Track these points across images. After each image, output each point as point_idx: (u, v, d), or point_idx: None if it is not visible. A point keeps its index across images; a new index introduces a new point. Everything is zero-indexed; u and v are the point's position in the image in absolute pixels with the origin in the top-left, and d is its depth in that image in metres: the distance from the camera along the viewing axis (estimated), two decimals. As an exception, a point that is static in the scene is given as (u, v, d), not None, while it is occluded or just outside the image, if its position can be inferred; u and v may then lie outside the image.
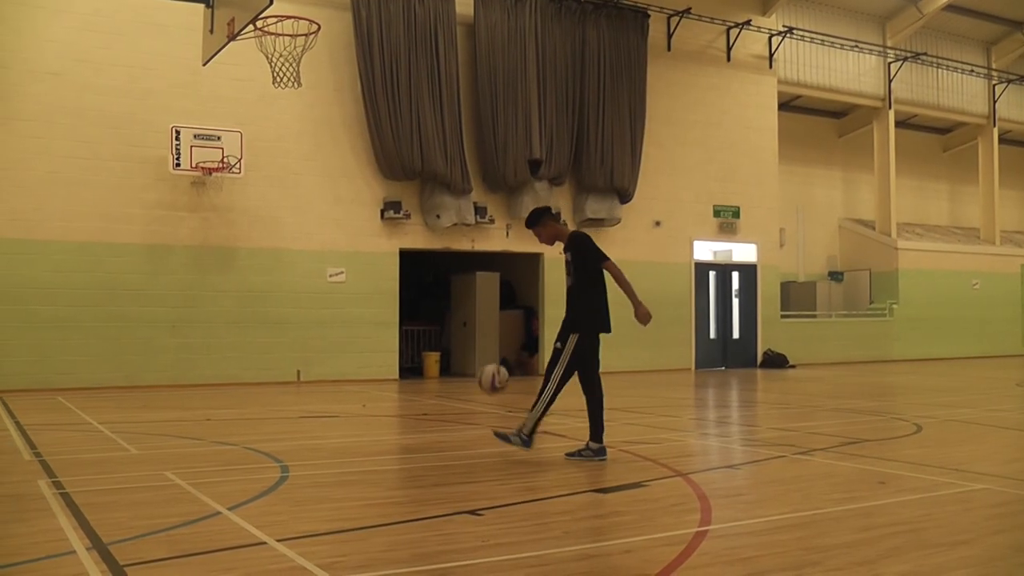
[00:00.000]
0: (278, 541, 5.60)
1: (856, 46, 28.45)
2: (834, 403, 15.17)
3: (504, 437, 9.04)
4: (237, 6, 12.69)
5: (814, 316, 28.37)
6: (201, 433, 11.13)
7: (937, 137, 34.83)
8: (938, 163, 34.82)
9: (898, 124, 30.75)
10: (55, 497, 7.02)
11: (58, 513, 6.46)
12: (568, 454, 9.05)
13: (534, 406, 9.01)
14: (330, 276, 19.89)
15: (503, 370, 9.49)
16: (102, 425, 11.85)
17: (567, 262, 9.24)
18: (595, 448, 8.91)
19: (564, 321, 9.16)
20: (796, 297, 28.79)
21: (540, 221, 9.35)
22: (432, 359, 21.87)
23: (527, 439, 8.98)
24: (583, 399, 9.00)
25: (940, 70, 31.29)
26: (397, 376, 20.51)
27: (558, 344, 9.07)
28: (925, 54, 30.02)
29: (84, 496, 7.04)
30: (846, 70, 29.12)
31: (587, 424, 8.97)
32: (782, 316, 27.00)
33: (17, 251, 17.29)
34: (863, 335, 28.80)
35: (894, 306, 29.36)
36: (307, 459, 9.03)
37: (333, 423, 12.79)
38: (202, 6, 13.83)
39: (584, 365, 9.12)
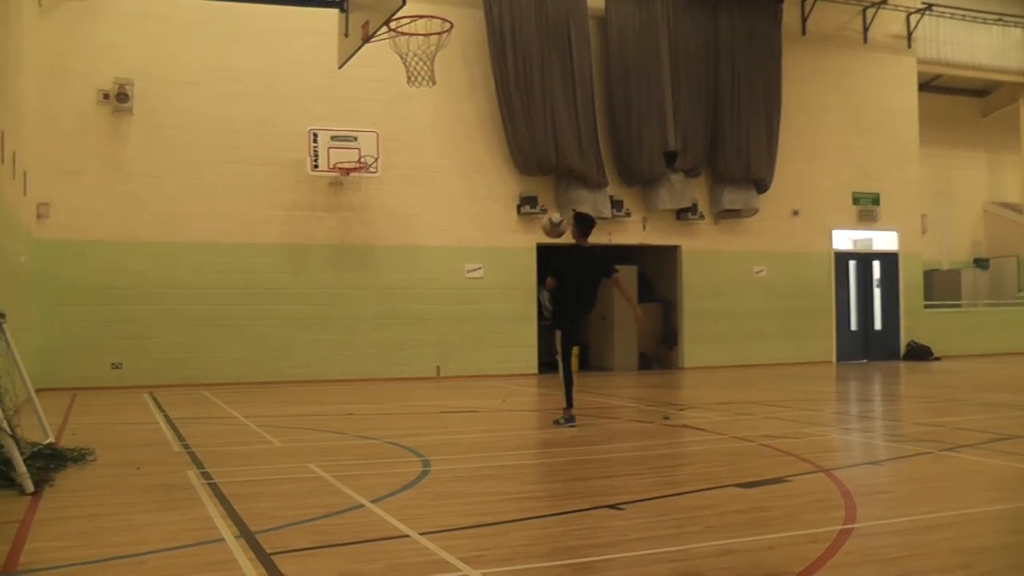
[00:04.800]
0: (420, 534, 5.63)
1: (1000, 19, 27.29)
2: (981, 397, 14.67)
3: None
4: (371, 8, 12.84)
5: (959, 306, 27.37)
6: (343, 427, 11.31)
7: (1090, 114, 33.30)
8: (1090, 142, 33.29)
9: (1046, 100, 29.45)
10: (203, 487, 7.22)
11: (206, 502, 6.64)
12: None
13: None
14: (467, 272, 20.03)
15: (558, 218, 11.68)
16: (247, 419, 12.15)
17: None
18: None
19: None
20: (939, 286, 27.82)
21: (581, 226, 11.49)
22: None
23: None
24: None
25: (1092, 42, 29.87)
26: (536, 371, 20.51)
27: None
28: (1075, 25, 28.68)
29: (231, 486, 7.21)
30: (989, 45, 27.81)
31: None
32: (925, 306, 26.08)
33: (164, 253, 17.86)
34: (1011, 325, 27.49)
35: (1044, 294, 28.24)
36: (447, 454, 9.09)
37: (473, 418, 12.88)
38: (336, 11, 14.04)
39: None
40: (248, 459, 8.90)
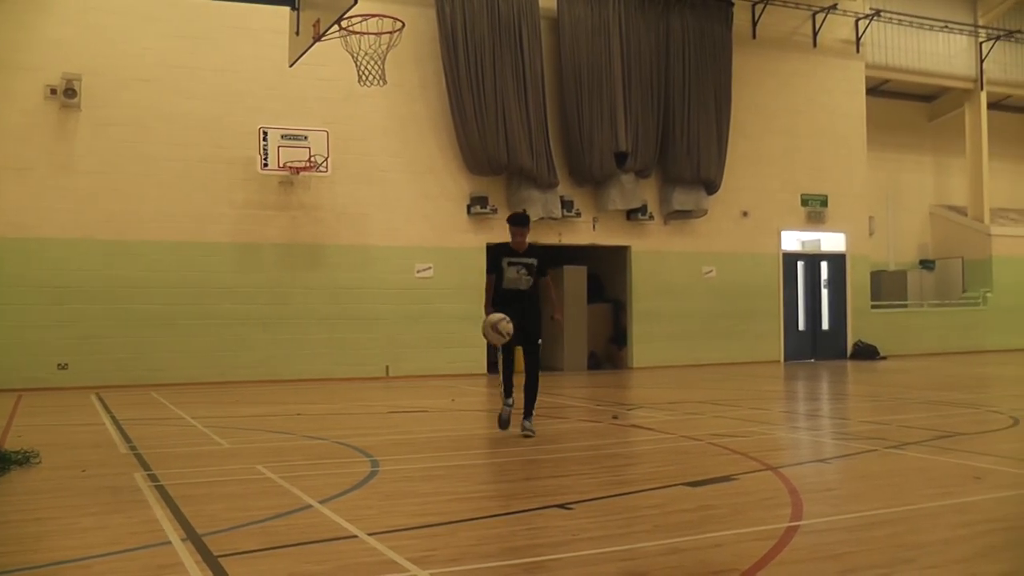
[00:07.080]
0: (369, 535, 5.64)
1: (946, 27, 27.69)
2: (927, 395, 14.87)
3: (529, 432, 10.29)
4: (322, 7, 12.81)
5: (905, 306, 27.71)
6: (292, 428, 11.26)
7: (1033, 119, 33.81)
8: (1034, 146, 33.78)
9: (991, 106, 29.72)
10: (150, 489, 7.16)
11: (153, 505, 6.60)
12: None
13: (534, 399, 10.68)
14: (418, 272, 20.01)
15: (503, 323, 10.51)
16: (195, 420, 12.06)
17: (526, 265, 10.46)
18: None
19: (534, 321, 10.81)
20: (887, 287, 28.14)
21: (529, 225, 10.58)
22: (520, 353, 21.77)
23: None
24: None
25: (1034, 49, 30.32)
26: (485, 371, 20.51)
27: (540, 341, 10.92)
28: (1019, 32, 29.03)
29: (178, 488, 7.17)
30: (936, 52, 28.29)
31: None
32: (872, 306, 26.43)
33: (112, 251, 17.68)
34: (956, 325, 27.99)
35: (988, 295, 28.55)
36: (396, 454, 9.09)
37: (422, 418, 12.86)
38: (288, 8, 13.98)
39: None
40: (195, 461, 8.83)
